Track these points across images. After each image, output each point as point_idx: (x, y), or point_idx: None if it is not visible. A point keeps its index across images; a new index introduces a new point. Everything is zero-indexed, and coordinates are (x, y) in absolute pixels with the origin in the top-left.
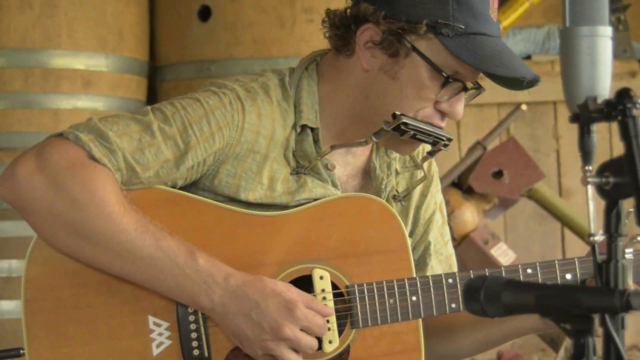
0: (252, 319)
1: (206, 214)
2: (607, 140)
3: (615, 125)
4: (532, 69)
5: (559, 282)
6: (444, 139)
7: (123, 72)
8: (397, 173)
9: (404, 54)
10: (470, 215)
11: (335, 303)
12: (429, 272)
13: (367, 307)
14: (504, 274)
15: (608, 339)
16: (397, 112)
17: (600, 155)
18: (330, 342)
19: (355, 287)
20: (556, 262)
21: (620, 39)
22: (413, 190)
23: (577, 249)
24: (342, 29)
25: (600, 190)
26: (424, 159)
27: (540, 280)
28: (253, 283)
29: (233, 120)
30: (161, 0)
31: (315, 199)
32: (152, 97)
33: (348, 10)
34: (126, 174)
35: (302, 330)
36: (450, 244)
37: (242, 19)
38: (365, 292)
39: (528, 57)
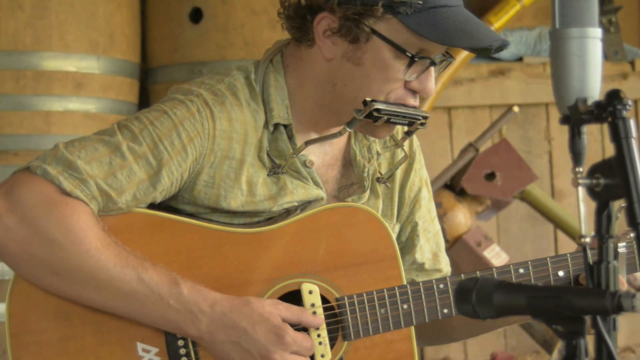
0: (241, 347)
1: (189, 235)
2: (600, 142)
3: (607, 127)
4: (497, 34)
5: (551, 280)
6: (420, 118)
7: (115, 74)
8: (378, 154)
9: (365, 38)
10: (462, 217)
11: (326, 317)
12: (418, 253)
13: (358, 318)
14: (495, 275)
15: (600, 341)
16: (368, 99)
17: (593, 157)
18: (322, 356)
19: (346, 299)
20: (548, 259)
21: (612, 41)
22: (396, 170)
23: (569, 250)
24: (298, 20)
25: (591, 191)
26: (403, 139)
27: (532, 279)
28: (240, 309)
29: (203, 129)
30: (152, 2)
31: (299, 202)
32: (144, 98)
33: (302, 0)
34: (102, 201)
35: (293, 353)
36: (436, 220)
37: (234, 20)
38: (356, 304)
39: (520, 59)
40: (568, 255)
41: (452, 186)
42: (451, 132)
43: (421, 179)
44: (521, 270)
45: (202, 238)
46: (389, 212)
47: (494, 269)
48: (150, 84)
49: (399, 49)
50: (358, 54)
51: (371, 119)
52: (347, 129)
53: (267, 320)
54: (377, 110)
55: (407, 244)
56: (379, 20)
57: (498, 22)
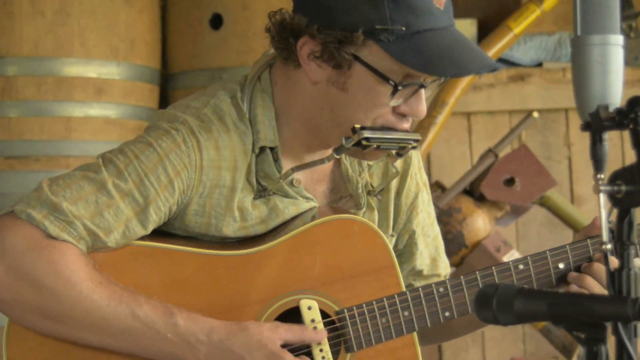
0: None
1: (181, 263)
2: (619, 148)
3: (627, 133)
4: (487, 57)
5: (552, 273)
6: (411, 142)
7: (135, 80)
8: (369, 166)
9: (347, 65)
10: (482, 222)
11: (328, 331)
12: (417, 259)
13: (360, 330)
14: (495, 274)
15: (621, 347)
16: (357, 126)
17: (613, 163)
18: None
19: (346, 311)
20: (547, 252)
21: (632, 47)
22: (388, 185)
23: None
24: (282, 41)
25: (612, 198)
26: (394, 159)
27: (532, 273)
28: (237, 335)
29: (190, 160)
30: (173, 8)
31: (292, 218)
32: (164, 104)
33: (285, 20)
34: (89, 240)
35: None
36: (435, 223)
37: (254, 27)
38: (356, 316)
39: (539, 65)
40: (567, 246)
41: (472, 192)
42: (470, 137)
43: (418, 183)
44: (521, 267)
45: (195, 264)
46: (384, 224)
47: (493, 268)
48: (170, 89)
49: (382, 77)
50: (342, 79)
51: (360, 147)
52: (335, 155)
53: (264, 346)
54: (366, 139)
55: (405, 252)
56: (361, 47)
57: (518, 27)
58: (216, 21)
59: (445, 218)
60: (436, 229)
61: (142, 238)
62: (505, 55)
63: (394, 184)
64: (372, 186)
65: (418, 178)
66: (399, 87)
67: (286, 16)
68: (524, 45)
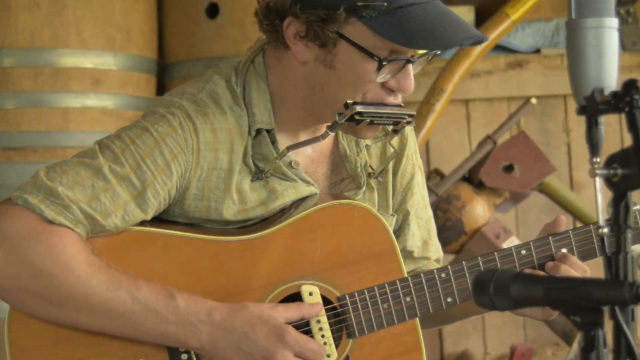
0: (243, 351)
1: (182, 248)
2: (618, 133)
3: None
4: (471, 28)
5: (555, 259)
6: (405, 117)
7: (132, 70)
8: (367, 147)
9: (332, 43)
10: (481, 209)
11: (329, 317)
12: (409, 240)
13: (362, 315)
14: (497, 259)
15: (618, 331)
16: (349, 102)
17: (612, 148)
18: (328, 356)
19: (347, 297)
20: (550, 238)
21: (630, 32)
22: (387, 165)
23: None
24: (269, 24)
25: (609, 182)
26: (390, 137)
27: (535, 259)
28: (238, 313)
29: (187, 144)
30: None
31: (292, 202)
32: (161, 94)
33: (271, 3)
34: (88, 224)
35: (296, 354)
36: (428, 206)
37: (250, 15)
38: (358, 301)
39: (537, 51)
40: (570, 232)
41: (471, 179)
42: (469, 124)
43: (414, 165)
44: (523, 252)
45: (196, 250)
46: (384, 204)
47: (495, 253)
48: (167, 79)
49: (367, 53)
50: (329, 58)
51: (353, 122)
52: (330, 132)
53: (266, 321)
54: (359, 113)
55: (398, 232)
56: (344, 24)
57: (515, 14)
58: (212, 10)
59: (445, 205)
60: (429, 212)
61: (143, 224)
62: (503, 42)
63: (391, 164)
64: (372, 168)
65: (414, 160)
66: (384, 63)
67: (270, 2)
68: (521, 31)
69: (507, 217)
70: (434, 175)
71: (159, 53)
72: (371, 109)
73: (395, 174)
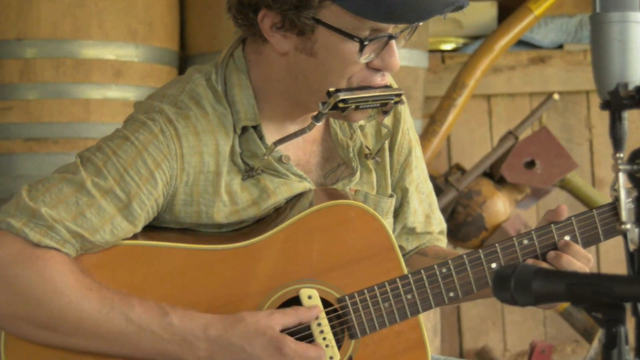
0: None
1: (175, 260)
2: None
3: None
4: None
5: (558, 247)
6: (392, 97)
7: (153, 62)
8: (361, 127)
9: (310, 29)
10: (502, 205)
11: (330, 319)
12: (410, 216)
13: (363, 315)
14: (499, 250)
15: None
16: (331, 90)
17: (635, 145)
18: (331, 358)
19: (347, 298)
20: (552, 226)
21: None
22: (383, 144)
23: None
24: (243, 18)
25: (632, 177)
26: (382, 118)
27: (538, 248)
28: (234, 327)
29: (170, 150)
30: None
31: (286, 199)
32: None
33: None
34: (76, 242)
35: None
36: (428, 180)
37: None
38: (358, 302)
39: (560, 46)
40: (573, 218)
41: (492, 174)
42: (491, 119)
43: (410, 140)
44: (525, 242)
45: (190, 260)
46: (383, 183)
47: (496, 245)
48: None
49: (346, 35)
50: (308, 45)
51: (338, 110)
52: (315, 123)
53: (263, 333)
54: (343, 100)
55: (398, 211)
56: (319, 9)
57: (538, 9)
58: None
59: (465, 201)
60: (429, 186)
61: (135, 236)
62: (526, 37)
63: (387, 141)
64: (369, 148)
65: (411, 134)
66: (366, 43)
67: None
68: (544, 27)
69: (528, 213)
70: (455, 170)
71: (181, 45)
72: (355, 95)
73: (392, 150)
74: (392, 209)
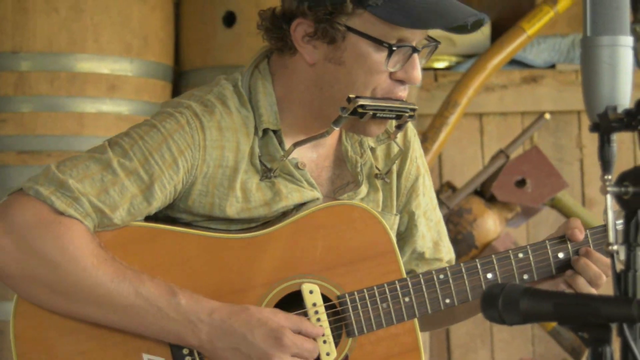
0: (241, 352)
1: (185, 244)
2: (632, 151)
3: None
4: (472, 10)
5: (552, 263)
6: (407, 110)
7: (148, 77)
8: (372, 149)
9: (341, 37)
10: (492, 223)
11: (329, 315)
12: (418, 241)
13: (361, 314)
14: (495, 261)
15: (626, 349)
16: (352, 95)
17: (625, 166)
18: (327, 354)
19: (347, 296)
20: (547, 242)
21: None
22: (393, 165)
23: None
24: (276, 30)
25: (620, 199)
26: (395, 133)
27: (532, 262)
28: (238, 315)
29: (194, 140)
30: (186, 5)
31: (295, 205)
32: None
33: (277, 10)
34: (96, 217)
35: (293, 356)
36: (438, 209)
37: None
38: (357, 301)
39: (552, 66)
40: (566, 236)
41: (483, 192)
42: (482, 138)
43: (418, 167)
44: (520, 255)
45: (199, 246)
46: (389, 204)
47: (493, 256)
48: (183, 86)
49: (376, 41)
50: (338, 54)
51: (357, 115)
52: (334, 127)
53: (265, 324)
54: (362, 106)
55: (406, 234)
56: (352, 16)
57: (531, 29)
58: (229, 18)
59: (456, 218)
60: (438, 214)
61: (147, 219)
62: (519, 57)
63: (395, 165)
64: (378, 169)
65: (419, 162)
66: (394, 48)
67: (276, 9)
68: (537, 46)
69: (518, 232)
70: (446, 188)
71: (175, 60)
72: (374, 102)
73: (399, 175)
74: (396, 227)
